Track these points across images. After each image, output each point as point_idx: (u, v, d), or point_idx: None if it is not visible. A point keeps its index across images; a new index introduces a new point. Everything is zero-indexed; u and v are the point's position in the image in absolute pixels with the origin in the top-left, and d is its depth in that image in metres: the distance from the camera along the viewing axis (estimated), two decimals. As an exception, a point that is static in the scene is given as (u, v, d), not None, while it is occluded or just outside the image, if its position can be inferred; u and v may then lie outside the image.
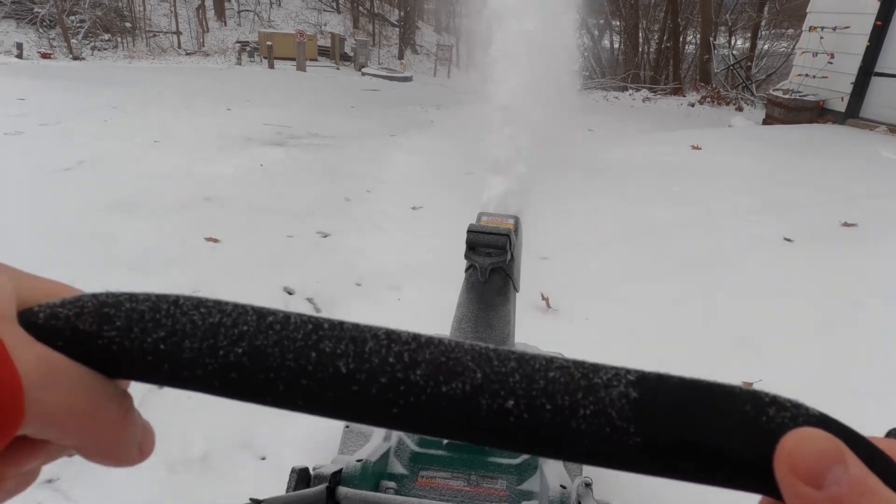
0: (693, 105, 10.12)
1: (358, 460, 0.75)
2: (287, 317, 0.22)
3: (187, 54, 18.27)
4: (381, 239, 3.49)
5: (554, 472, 0.80)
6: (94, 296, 0.22)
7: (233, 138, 5.85)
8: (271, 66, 17.37)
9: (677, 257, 3.20)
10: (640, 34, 14.97)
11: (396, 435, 0.84)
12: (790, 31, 17.16)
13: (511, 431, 0.20)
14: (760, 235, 3.51)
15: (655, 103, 10.39)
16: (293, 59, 17.76)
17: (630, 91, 11.13)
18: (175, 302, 0.22)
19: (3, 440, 0.18)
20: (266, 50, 17.45)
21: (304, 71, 17.54)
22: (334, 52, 19.83)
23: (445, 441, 0.74)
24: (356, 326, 0.22)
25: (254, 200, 3.97)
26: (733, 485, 0.20)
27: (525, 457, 0.82)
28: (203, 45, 19.13)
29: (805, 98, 6.59)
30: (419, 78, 19.64)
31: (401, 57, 21.73)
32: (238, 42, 19.00)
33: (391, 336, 0.22)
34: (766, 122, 7.16)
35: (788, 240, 3.43)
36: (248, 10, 21.79)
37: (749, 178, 4.55)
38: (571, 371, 0.21)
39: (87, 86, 8.68)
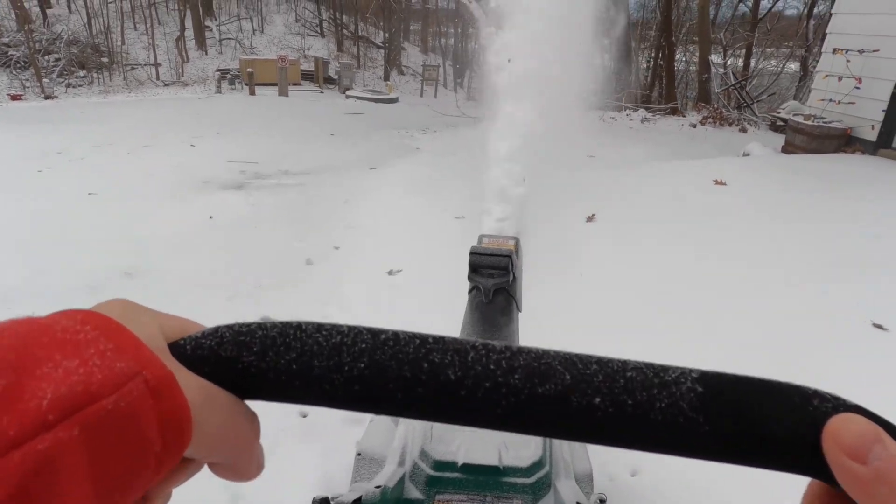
0: (695, 126, 9.43)
1: (376, 487, 0.74)
2: (396, 334, 0.25)
3: (165, 85, 17.52)
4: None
5: (568, 488, 0.80)
6: (230, 327, 0.25)
7: (187, 183, 5.03)
8: (252, 93, 16.64)
9: (729, 355, 2.36)
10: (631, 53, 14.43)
11: (411, 459, 0.81)
12: (783, 50, 16.70)
13: (599, 425, 0.23)
14: (834, 317, 2.56)
15: (655, 124, 9.68)
16: (275, 85, 17.08)
17: (627, 111, 10.45)
18: (299, 327, 0.25)
19: (175, 459, 0.21)
20: (247, 77, 16.76)
21: (287, 96, 16.82)
22: (318, 76, 19.17)
23: (460, 463, 0.75)
24: (456, 340, 0.25)
25: (189, 272, 3.13)
26: (788, 467, 0.22)
27: (540, 475, 0.80)
28: (182, 76, 18.40)
29: (830, 125, 5.86)
30: (405, 99, 18.98)
31: (386, 78, 21.11)
32: (218, 70, 18.28)
33: (488, 347, 0.24)
34: (785, 149, 6.41)
35: (880, 327, 2.49)
36: (229, 38, 21.15)
37: (791, 224, 3.76)
38: (644, 371, 0.23)
39: (42, 127, 7.85)
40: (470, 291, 1.02)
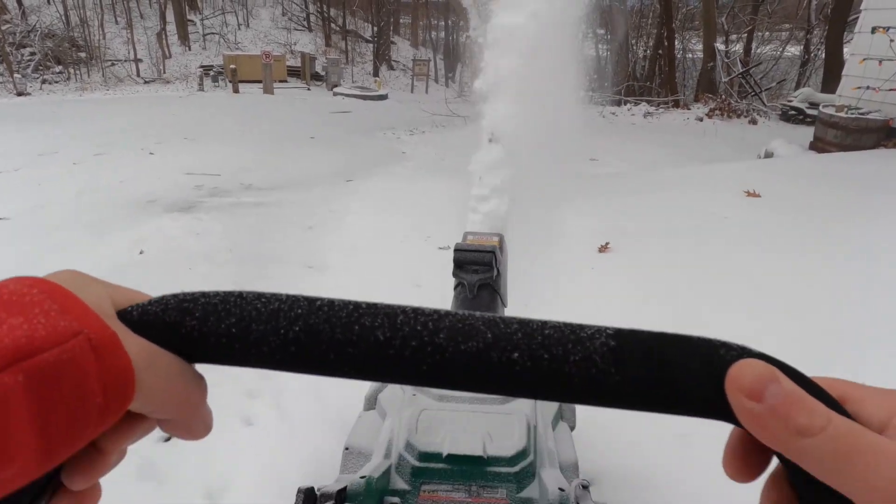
0: (701, 119, 8.62)
1: (361, 477, 0.73)
2: (332, 301, 0.26)
3: (146, 83, 16.52)
4: (270, 442, 1.87)
5: (552, 477, 0.80)
6: (175, 295, 0.26)
7: (127, 203, 4.21)
8: (236, 91, 15.68)
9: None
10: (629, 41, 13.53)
11: (396, 451, 0.81)
12: (783, 33, 15.81)
13: (517, 378, 0.24)
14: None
15: (658, 119, 8.86)
16: (261, 82, 16.13)
17: (628, 105, 9.60)
18: (240, 295, 0.26)
19: (119, 412, 0.23)
20: (230, 74, 15.80)
21: (272, 94, 15.88)
22: (305, 72, 18.20)
23: (445, 454, 0.77)
24: (388, 306, 0.26)
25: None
26: (697, 412, 0.23)
27: (524, 464, 0.81)
28: (164, 72, 17.40)
29: (868, 116, 5.05)
30: (395, 95, 18.04)
31: (375, 74, 20.14)
32: (201, 67, 17.29)
33: (417, 311, 0.25)
34: (815, 146, 5.60)
35: None
36: (213, 33, 20.09)
37: (845, 245, 3.00)
38: (562, 329, 0.24)
39: (-7, 130, 7.00)
40: (455, 288, 1.00)
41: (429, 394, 0.91)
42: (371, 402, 1.04)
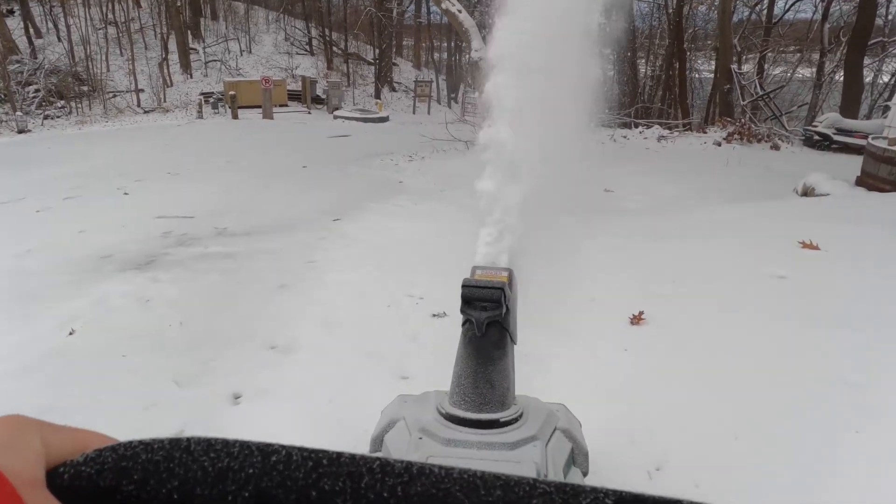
0: (719, 144, 7.97)
1: None
2: (289, 454, 0.22)
3: (146, 112, 16.18)
4: None
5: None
6: (114, 449, 0.23)
7: (77, 262, 3.62)
8: (235, 117, 15.30)
9: None
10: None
11: None
12: (794, 56, 15.19)
13: None
14: None
15: (673, 143, 8.21)
16: (261, 107, 15.75)
17: (640, 128, 8.96)
18: (188, 448, 0.22)
19: None
20: (230, 100, 15.44)
21: (272, 119, 15.47)
22: (305, 96, 17.84)
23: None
24: (353, 460, 0.22)
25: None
26: None
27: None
28: (164, 101, 17.09)
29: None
30: (397, 117, 17.58)
31: (377, 96, 19.76)
32: (201, 94, 16.98)
33: (386, 468, 0.22)
34: (864, 182, 4.90)
35: None
36: (215, 60, 19.87)
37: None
38: (554, 497, 0.21)
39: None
40: (463, 325, 0.97)
41: (436, 438, 0.89)
42: (377, 445, 1.00)
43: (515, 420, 0.95)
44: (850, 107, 10.46)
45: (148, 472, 0.22)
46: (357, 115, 15.63)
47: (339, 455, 0.22)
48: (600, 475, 1.36)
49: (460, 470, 0.22)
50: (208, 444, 0.22)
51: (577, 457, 1.00)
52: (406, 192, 5.88)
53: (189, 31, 20.27)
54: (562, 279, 2.89)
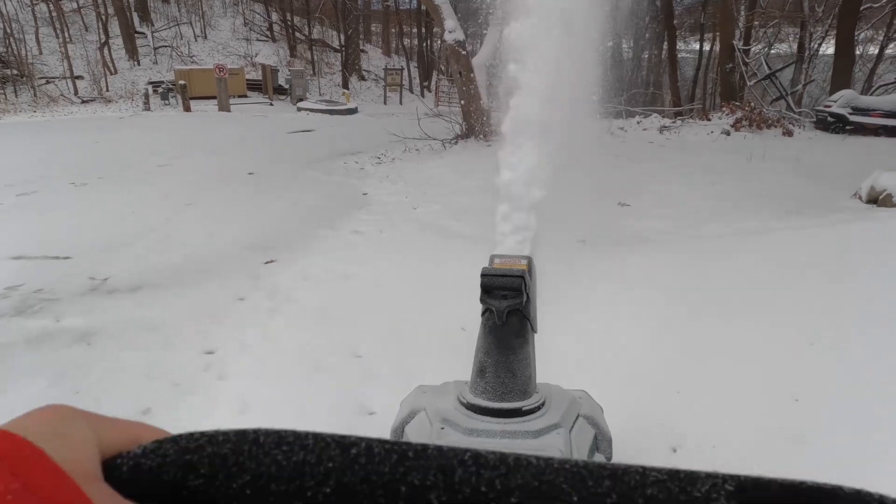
0: (728, 133, 6.83)
1: None
2: (370, 447, 0.20)
3: (83, 102, 14.10)
4: None
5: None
6: (175, 440, 0.20)
7: None
8: (187, 109, 13.43)
9: None
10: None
11: None
12: (770, 31, 14.20)
13: None
14: None
15: (678, 133, 7.02)
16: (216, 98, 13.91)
17: (637, 118, 7.74)
18: (256, 440, 0.20)
19: None
20: (181, 90, 13.53)
21: (228, 111, 13.65)
22: (267, 86, 16.00)
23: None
24: (440, 452, 0.20)
25: None
26: None
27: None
28: (107, 90, 14.98)
29: None
30: (366, 108, 15.93)
31: (345, 85, 18.02)
32: (150, 83, 14.95)
33: (479, 460, 0.20)
34: None
35: None
36: (165, 46, 17.70)
37: None
38: (668, 485, 0.18)
39: None
40: (483, 314, 0.94)
41: (458, 427, 0.88)
42: (398, 435, 0.99)
43: (538, 408, 0.92)
44: (840, 81, 9.50)
45: (216, 467, 0.19)
46: (323, 106, 13.95)
47: (425, 447, 0.20)
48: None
49: (559, 460, 0.20)
50: (279, 437, 0.20)
51: (601, 443, 0.98)
52: (370, 210, 4.49)
53: (136, 14, 17.99)
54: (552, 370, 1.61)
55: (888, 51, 11.89)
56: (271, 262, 3.23)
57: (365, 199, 4.99)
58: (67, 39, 15.57)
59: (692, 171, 5.23)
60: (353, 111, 14.12)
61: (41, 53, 15.93)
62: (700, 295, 2.39)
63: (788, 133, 6.96)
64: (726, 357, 1.94)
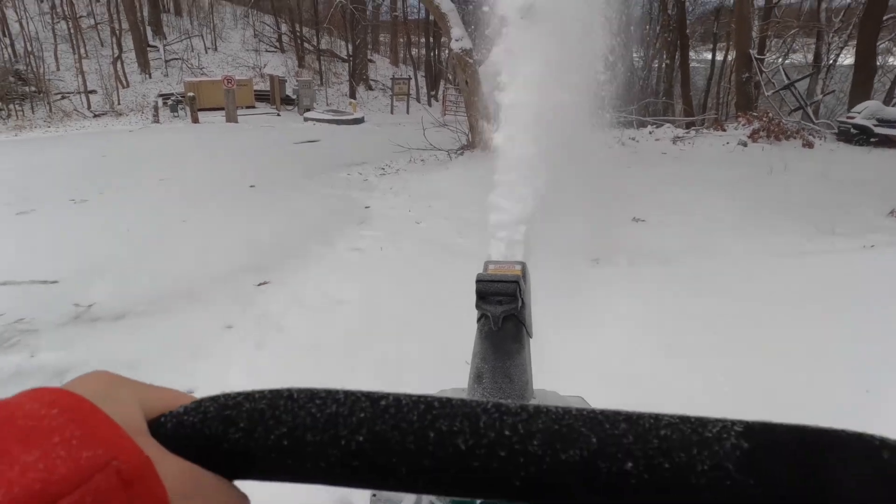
0: (745, 145, 6.56)
1: None
2: (398, 399, 0.21)
3: (95, 116, 14.19)
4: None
5: None
6: (214, 399, 0.22)
7: None
8: (195, 121, 13.45)
9: None
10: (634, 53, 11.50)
11: (427, 497, 0.65)
12: (789, 40, 13.87)
13: (633, 493, 0.19)
14: None
15: (692, 144, 6.77)
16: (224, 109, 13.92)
17: (650, 128, 7.49)
18: (290, 396, 0.21)
19: None
20: (190, 102, 13.56)
21: (236, 122, 13.63)
22: (274, 97, 16.00)
23: (479, 502, 0.56)
24: (464, 402, 0.21)
25: None
26: None
27: None
28: (118, 103, 15.08)
29: None
30: (373, 117, 15.86)
31: (352, 95, 17.98)
32: (160, 95, 15.02)
33: (501, 408, 0.21)
34: None
35: None
36: (176, 59, 17.83)
37: None
38: (681, 427, 0.19)
39: None
40: (478, 320, 0.89)
41: None
42: None
43: None
44: (861, 91, 9.15)
45: (254, 420, 0.20)
46: (329, 116, 13.87)
47: (450, 399, 0.21)
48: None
49: (577, 409, 0.20)
50: (312, 393, 0.21)
51: None
52: (372, 225, 4.30)
53: (150, 28, 18.17)
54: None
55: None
56: (264, 283, 3.04)
57: (367, 212, 4.80)
58: (83, 55, 15.73)
59: (710, 184, 4.97)
60: (359, 121, 14.04)
61: (59, 69, 16.11)
62: (728, 325, 2.15)
63: (809, 145, 6.67)
64: (754, 398, 1.70)
